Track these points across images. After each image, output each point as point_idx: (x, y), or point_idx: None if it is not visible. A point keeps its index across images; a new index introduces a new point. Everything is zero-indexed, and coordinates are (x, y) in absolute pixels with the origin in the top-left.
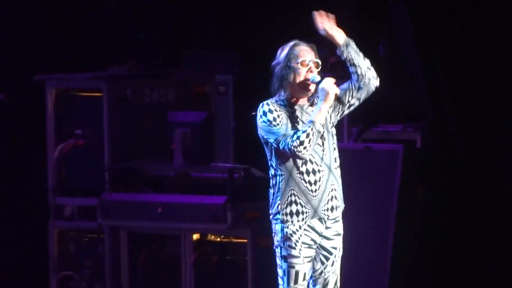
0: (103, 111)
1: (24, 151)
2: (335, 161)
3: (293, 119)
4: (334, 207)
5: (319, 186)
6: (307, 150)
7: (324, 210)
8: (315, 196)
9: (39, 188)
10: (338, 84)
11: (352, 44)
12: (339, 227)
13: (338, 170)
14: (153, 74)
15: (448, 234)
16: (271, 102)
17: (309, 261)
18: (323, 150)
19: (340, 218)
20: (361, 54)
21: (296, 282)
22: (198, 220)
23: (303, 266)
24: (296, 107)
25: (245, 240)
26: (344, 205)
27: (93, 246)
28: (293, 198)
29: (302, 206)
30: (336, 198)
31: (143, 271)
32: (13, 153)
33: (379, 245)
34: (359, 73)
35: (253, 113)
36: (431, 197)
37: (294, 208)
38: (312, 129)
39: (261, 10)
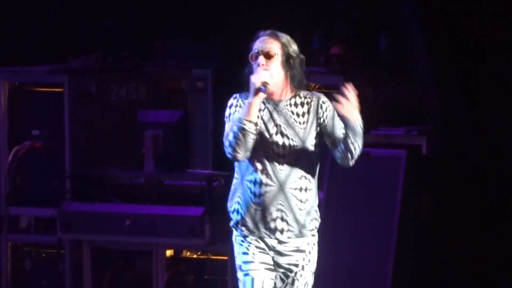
0: (64, 109)
1: None
2: (295, 181)
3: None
4: (279, 229)
5: (263, 200)
6: (237, 152)
7: (266, 229)
8: (257, 210)
9: None
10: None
11: (357, 127)
12: (301, 243)
13: (298, 193)
14: (121, 68)
15: (455, 252)
16: (239, 96)
17: (268, 269)
18: (278, 163)
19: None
20: (357, 139)
21: None
22: (172, 234)
23: (259, 273)
24: (269, 104)
25: (225, 258)
26: (305, 235)
27: (52, 263)
28: (236, 207)
29: (242, 217)
30: (283, 220)
31: None
32: None
33: (379, 263)
34: (339, 156)
35: None
36: (437, 210)
37: (235, 217)
38: (237, 128)
39: None
